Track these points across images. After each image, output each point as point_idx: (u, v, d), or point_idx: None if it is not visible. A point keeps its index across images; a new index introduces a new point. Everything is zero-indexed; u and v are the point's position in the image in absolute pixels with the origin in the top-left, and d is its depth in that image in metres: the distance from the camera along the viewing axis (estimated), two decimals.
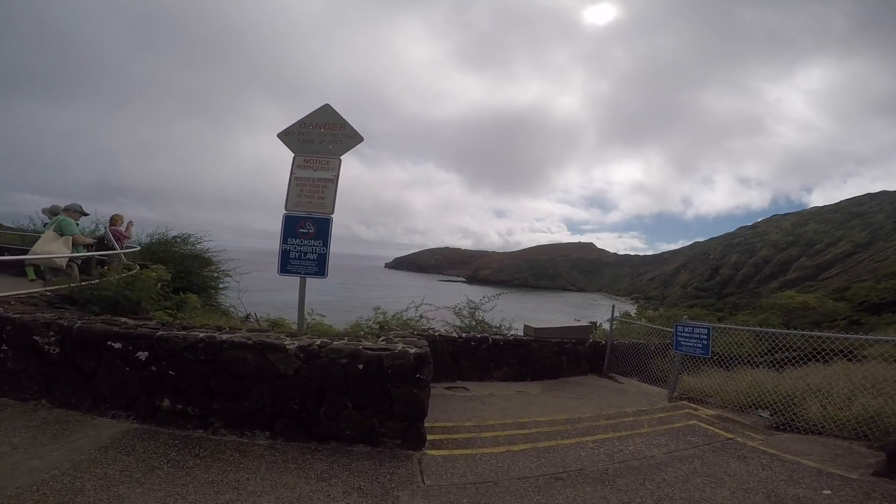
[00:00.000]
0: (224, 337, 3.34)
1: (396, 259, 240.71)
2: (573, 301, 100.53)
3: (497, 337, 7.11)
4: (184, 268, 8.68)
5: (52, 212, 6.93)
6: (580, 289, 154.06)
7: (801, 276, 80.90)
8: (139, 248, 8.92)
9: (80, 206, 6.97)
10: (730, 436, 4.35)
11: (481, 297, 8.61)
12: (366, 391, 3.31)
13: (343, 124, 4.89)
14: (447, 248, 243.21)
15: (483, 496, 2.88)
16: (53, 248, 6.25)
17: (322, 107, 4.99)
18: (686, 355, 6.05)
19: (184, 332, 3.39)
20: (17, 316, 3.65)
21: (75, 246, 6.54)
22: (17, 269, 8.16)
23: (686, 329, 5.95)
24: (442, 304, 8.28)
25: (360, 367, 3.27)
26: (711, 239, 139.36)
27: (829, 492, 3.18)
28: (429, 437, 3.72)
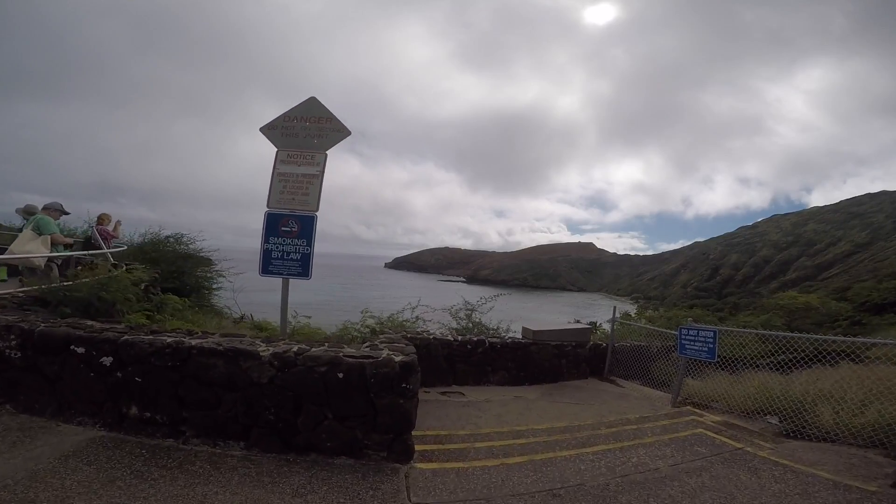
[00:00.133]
0: (193, 342, 3.09)
1: (396, 259, 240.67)
2: (573, 301, 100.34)
3: (494, 339, 6.87)
4: (176, 268, 8.46)
5: (28, 211, 6.70)
6: (580, 289, 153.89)
7: (801, 276, 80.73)
8: (126, 247, 8.67)
9: (61, 205, 6.73)
10: (738, 445, 4.10)
11: (479, 298, 8.38)
12: (347, 401, 3.06)
13: (329, 118, 4.66)
14: (447, 248, 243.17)
15: None
16: (32, 248, 6.00)
17: (308, 100, 4.76)
18: (690, 359, 5.81)
19: (150, 337, 3.15)
20: None
21: (54, 245, 6.30)
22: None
23: (691, 332, 5.70)
24: (440, 305, 8.06)
25: (341, 375, 3.02)
26: (711, 239, 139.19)
27: None
28: (420, 446, 3.50)
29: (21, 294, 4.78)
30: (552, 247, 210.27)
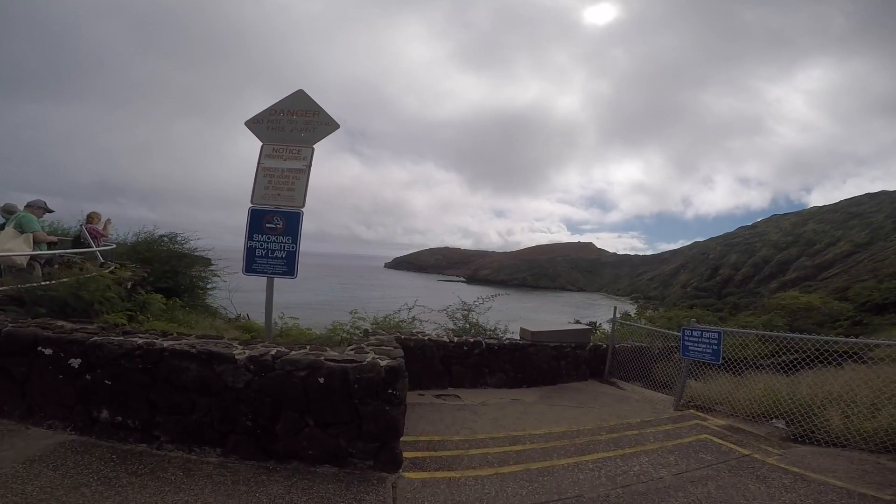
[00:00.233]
0: (165, 344, 2.91)
1: (396, 259, 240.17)
2: (573, 301, 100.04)
3: (491, 341, 6.68)
4: (170, 267, 8.29)
5: (7, 210, 6.51)
6: (580, 289, 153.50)
7: (801, 276, 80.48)
8: (115, 246, 8.49)
9: (45, 203, 6.55)
10: (745, 451, 3.92)
11: (476, 298, 8.19)
12: (329, 408, 2.87)
13: (317, 111, 4.47)
14: (447, 248, 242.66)
15: None
16: (13, 246, 5.82)
17: (295, 92, 4.57)
18: (693, 360, 5.62)
19: (120, 339, 2.97)
20: None
21: (37, 244, 6.11)
22: None
23: (694, 333, 5.51)
24: (439, 305, 7.90)
25: (322, 380, 2.83)
26: (711, 239, 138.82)
27: None
28: (412, 453, 3.32)
29: None
30: (552, 247, 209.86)
